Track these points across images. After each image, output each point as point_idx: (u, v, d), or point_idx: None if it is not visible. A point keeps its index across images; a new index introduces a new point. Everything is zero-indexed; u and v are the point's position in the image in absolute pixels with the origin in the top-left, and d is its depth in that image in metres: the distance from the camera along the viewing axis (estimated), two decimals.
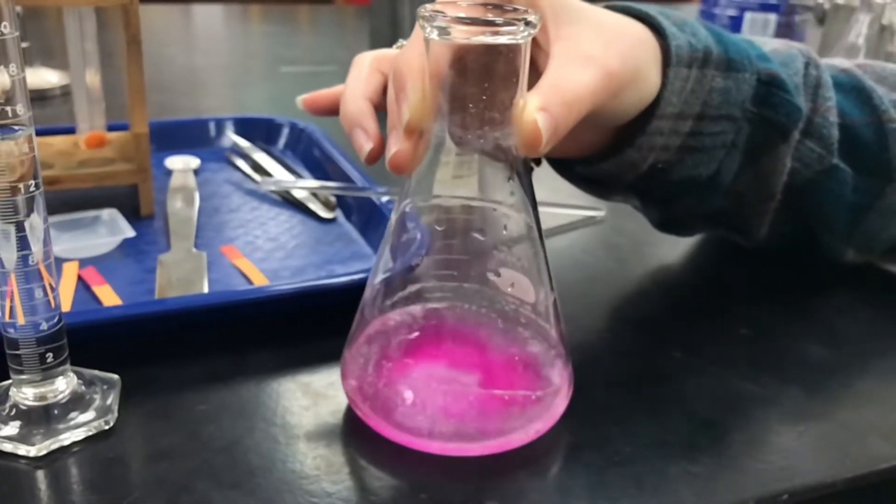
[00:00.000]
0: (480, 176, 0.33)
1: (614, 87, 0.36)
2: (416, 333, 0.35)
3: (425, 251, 0.34)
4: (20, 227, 0.30)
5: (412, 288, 0.35)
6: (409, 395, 0.33)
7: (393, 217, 0.35)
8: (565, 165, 0.45)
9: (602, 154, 0.42)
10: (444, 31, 0.30)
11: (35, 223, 0.31)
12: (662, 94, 0.38)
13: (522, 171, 0.33)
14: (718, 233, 0.51)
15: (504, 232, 0.33)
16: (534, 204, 0.33)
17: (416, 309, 0.35)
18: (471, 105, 0.31)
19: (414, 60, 0.33)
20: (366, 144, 0.39)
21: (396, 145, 0.34)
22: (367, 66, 0.42)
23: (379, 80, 0.42)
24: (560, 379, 0.35)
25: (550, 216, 0.56)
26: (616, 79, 0.35)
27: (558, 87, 0.33)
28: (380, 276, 0.35)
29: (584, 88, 0.34)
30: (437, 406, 0.33)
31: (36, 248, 0.31)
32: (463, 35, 0.30)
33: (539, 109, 0.32)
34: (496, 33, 0.29)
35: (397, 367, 0.34)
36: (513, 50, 0.30)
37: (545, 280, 0.34)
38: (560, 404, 0.35)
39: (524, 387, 0.34)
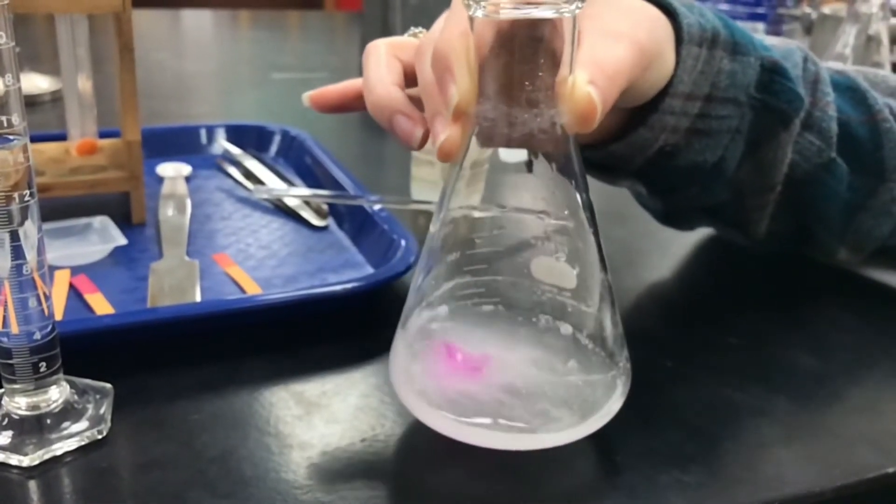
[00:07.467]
0: (497, 180, 0.33)
1: (645, 62, 0.36)
2: (460, 324, 0.35)
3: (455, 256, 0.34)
4: (14, 236, 0.30)
5: (447, 285, 0.34)
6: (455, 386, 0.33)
7: (432, 227, 0.34)
8: None
9: (613, 136, 0.42)
10: (490, 8, 0.29)
11: (29, 231, 0.31)
12: (675, 71, 0.39)
13: (569, 149, 0.32)
14: (718, 229, 0.52)
15: (533, 231, 0.33)
16: (579, 183, 0.33)
17: (455, 304, 0.35)
18: (517, 84, 0.31)
19: (457, 41, 0.32)
20: (416, 130, 0.36)
21: (445, 131, 0.32)
22: (384, 54, 0.40)
23: (399, 67, 0.40)
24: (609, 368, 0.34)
25: None
26: (646, 53, 0.36)
27: (598, 61, 0.33)
28: (420, 279, 0.35)
29: (621, 62, 0.34)
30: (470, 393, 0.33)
31: (30, 257, 0.31)
32: (511, 10, 0.29)
33: (588, 83, 0.31)
34: (546, 7, 0.29)
35: (442, 357, 0.34)
36: (561, 25, 0.30)
37: (591, 264, 0.33)
38: (613, 393, 0.34)
39: (572, 374, 0.34)
